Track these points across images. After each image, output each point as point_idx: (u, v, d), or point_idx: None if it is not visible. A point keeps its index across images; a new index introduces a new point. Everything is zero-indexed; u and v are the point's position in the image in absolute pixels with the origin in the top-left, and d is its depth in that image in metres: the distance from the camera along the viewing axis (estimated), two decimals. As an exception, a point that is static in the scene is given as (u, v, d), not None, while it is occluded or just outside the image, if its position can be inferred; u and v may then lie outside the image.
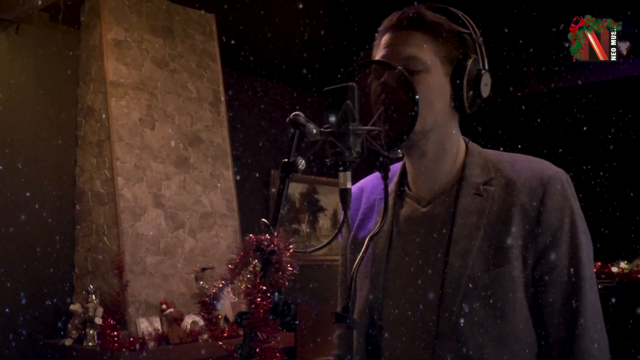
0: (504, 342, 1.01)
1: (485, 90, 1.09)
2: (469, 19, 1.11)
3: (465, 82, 1.06)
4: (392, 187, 1.18)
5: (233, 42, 4.06)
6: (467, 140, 1.15)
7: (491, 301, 1.01)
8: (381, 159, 0.96)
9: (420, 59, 1.05)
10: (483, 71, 1.08)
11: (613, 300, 3.82)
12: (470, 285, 1.02)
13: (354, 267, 0.93)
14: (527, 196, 1.04)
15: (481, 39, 1.10)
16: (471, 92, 1.07)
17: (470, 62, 1.06)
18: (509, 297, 1.01)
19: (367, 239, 0.98)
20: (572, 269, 1.02)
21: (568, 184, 1.06)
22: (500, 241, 1.03)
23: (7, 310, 3.16)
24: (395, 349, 1.10)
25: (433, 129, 1.08)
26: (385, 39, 1.10)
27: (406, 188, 1.17)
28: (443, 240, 1.07)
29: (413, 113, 0.96)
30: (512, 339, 1.01)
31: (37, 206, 3.33)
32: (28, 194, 3.30)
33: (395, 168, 1.21)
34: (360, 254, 0.94)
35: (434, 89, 1.06)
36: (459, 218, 1.06)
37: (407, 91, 0.97)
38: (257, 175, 4.66)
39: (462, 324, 1.01)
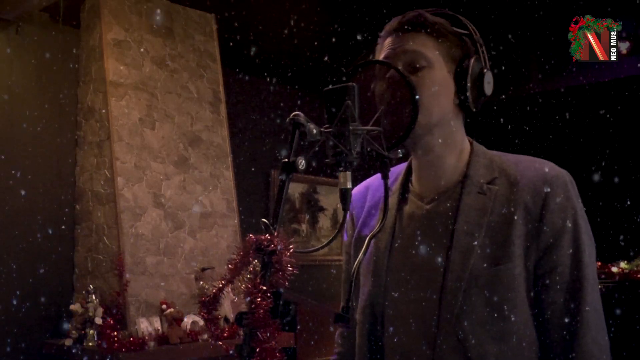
0: (504, 339, 1.01)
1: (488, 88, 1.10)
2: (468, 21, 1.12)
3: (469, 80, 1.07)
4: (396, 185, 1.19)
5: (233, 42, 4.06)
6: (471, 140, 1.16)
7: (492, 299, 1.02)
8: (381, 159, 0.96)
9: (423, 54, 1.06)
10: (485, 70, 1.10)
11: (613, 300, 3.82)
12: (472, 283, 1.02)
13: (354, 266, 0.93)
14: (531, 196, 1.04)
15: (481, 40, 1.11)
16: (475, 90, 1.09)
17: (472, 60, 1.08)
18: (509, 295, 1.02)
19: (368, 238, 0.98)
20: (574, 269, 1.02)
21: (572, 184, 1.06)
22: (502, 239, 1.03)
23: (7, 310, 3.16)
24: (397, 345, 1.11)
25: (438, 125, 1.08)
26: (387, 41, 1.11)
27: (410, 186, 1.18)
28: (445, 238, 1.08)
29: (413, 113, 0.96)
30: (512, 337, 1.02)
31: (37, 206, 3.33)
32: (28, 193, 3.30)
33: (401, 168, 1.22)
34: (360, 254, 0.95)
35: (438, 85, 1.07)
36: (461, 216, 1.07)
37: (408, 91, 0.97)
38: (257, 175, 4.66)
39: (463, 321, 1.02)
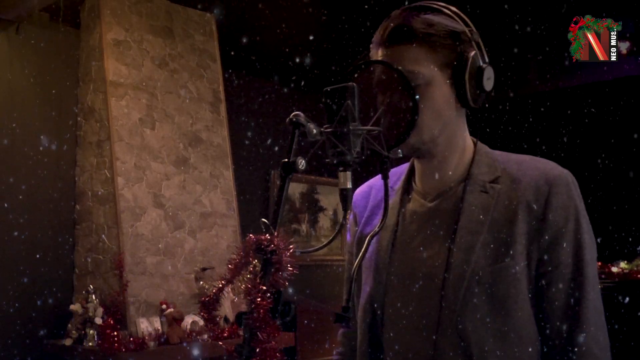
0: (505, 337, 1.01)
1: (488, 84, 1.09)
2: (461, 14, 1.09)
3: (467, 80, 1.06)
4: (399, 183, 1.20)
5: (233, 42, 4.06)
6: (475, 139, 1.16)
7: (493, 296, 1.02)
8: (381, 159, 0.96)
9: (419, 73, 1.04)
10: (484, 65, 1.08)
11: (613, 300, 3.82)
12: (473, 280, 1.02)
13: (355, 266, 0.93)
14: (533, 194, 1.04)
15: (477, 33, 1.09)
16: (474, 88, 1.07)
17: (469, 60, 1.06)
18: (511, 292, 1.02)
19: (367, 238, 0.98)
20: (574, 268, 1.03)
21: (574, 184, 1.07)
22: (504, 238, 1.03)
23: (7, 310, 3.16)
24: (397, 344, 1.11)
25: (441, 134, 1.09)
26: (379, 54, 1.08)
27: (413, 184, 1.19)
28: (447, 236, 1.08)
29: (412, 116, 0.96)
30: (513, 335, 1.02)
31: (37, 206, 3.33)
32: (28, 193, 3.30)
33: (404, 167, 1.23)
34: (360, 254, 0.95)
35: (438, 99, 1.06)
36: (464, 214, 1.07)
37: (408, 92, 0.97)
38: (257, 175, 4.66)
39: (464, 319, 1.02)
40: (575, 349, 1.01)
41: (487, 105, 1.13)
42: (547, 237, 1.03)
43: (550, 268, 1.03)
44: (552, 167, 1.08)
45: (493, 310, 1.02)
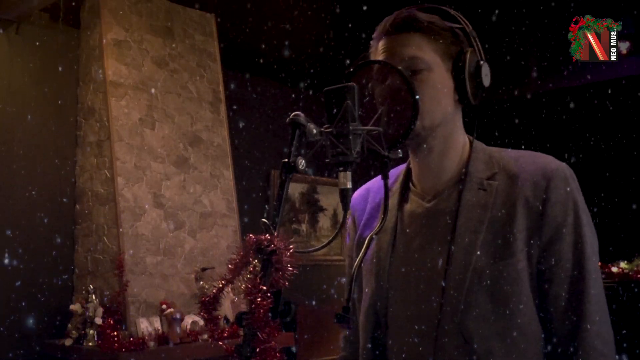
0: (509, 335, 1.01)
1: (486, 80, 1.10)
2: (459, 14, 1.12)
3: (467, 75, 1.07)
4: (397, 185, 1.20)
5: (233, 42, 4.06)
6: (471, 138, 1.16)
7: (496, 294, 1.01)
8: (381, 159, 0.96)
9: (421, 58, 1.06)
10: (482, 62, 1.10)
11: (613, 300, 3.82)
12: (475, 279, 1.02)
13: (354, 266, 0.94)
14: (531, 190, 1.04)
15: (474, 32, 1.11)
16: (474, 83, 1.09)
17: (468, 54, 1.08)
18: (513, 290, 1.01)
19: (367, 239, 0.98)
20: (576, 262, 1.02)
21: (572, 177, 1.06)
22: (504, 235, 1.03)
23: (7, 310, 3.16)
24: (400, 345, 1.10)
25: (440, 125, 1.09)
26: (382, 44, 1.10)
27: (410, 185, 1.18)
28: (447, 235, 1.07)
29: (413, 116, 0.96)
30: (517, 332, 1.01)
31: (37, 206, 3.33)
32: (28, 194, 3.30)
33: (401, 169, 1.23)
34: (361, 254, 0.95)
35: (439, 86, 1.07)
36: (463, 212, 1.06)
37: (408, 91, 0.97)
38: (257, 175, 4.66)
39: (466, 318, 1.01)
40: (579, 344, 1.00)
41: (487, 105, 1.13)
42: (547, 233, 1.02)
43: (551, 263, 1.02)
44: (549, 161, 1.08)
45: (496, 308, 1.01)
